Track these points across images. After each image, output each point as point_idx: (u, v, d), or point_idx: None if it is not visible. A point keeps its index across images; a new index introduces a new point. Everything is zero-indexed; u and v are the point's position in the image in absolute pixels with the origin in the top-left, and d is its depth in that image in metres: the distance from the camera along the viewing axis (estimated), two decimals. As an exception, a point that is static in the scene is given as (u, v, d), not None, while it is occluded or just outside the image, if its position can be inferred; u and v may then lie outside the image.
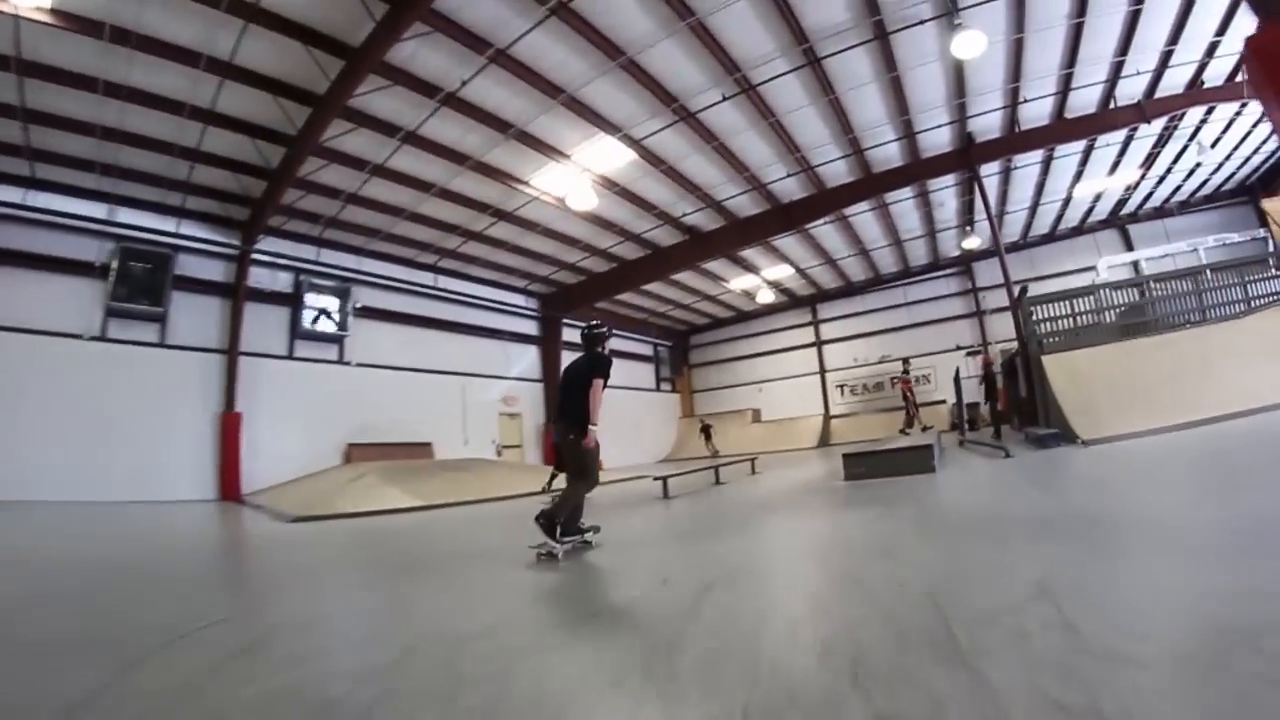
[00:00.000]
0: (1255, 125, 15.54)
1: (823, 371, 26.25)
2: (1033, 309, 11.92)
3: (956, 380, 14.40)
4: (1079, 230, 22.84)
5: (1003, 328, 21.96)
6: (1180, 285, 11.17)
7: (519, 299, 21.57)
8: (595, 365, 4.76)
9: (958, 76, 12.28)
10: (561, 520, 4.65)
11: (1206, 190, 20.33)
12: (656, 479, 9.61)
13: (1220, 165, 18.18)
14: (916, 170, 15.46)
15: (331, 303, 15.60)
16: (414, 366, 17.52)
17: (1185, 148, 16.54)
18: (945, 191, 18.27)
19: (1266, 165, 18.49)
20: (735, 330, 29.40)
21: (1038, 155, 16.20)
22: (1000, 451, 9.34)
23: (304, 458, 13.99)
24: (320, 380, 15.30)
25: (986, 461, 8.92)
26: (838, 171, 15.64)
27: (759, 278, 23.29)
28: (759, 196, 16.51)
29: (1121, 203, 20.97)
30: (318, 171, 12.49)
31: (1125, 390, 8.99)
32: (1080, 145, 15.77)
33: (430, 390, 17.71)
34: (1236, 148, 17.00)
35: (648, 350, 28.41)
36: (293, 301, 15.17)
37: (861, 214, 18.93)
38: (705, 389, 30.13)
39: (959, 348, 23.48)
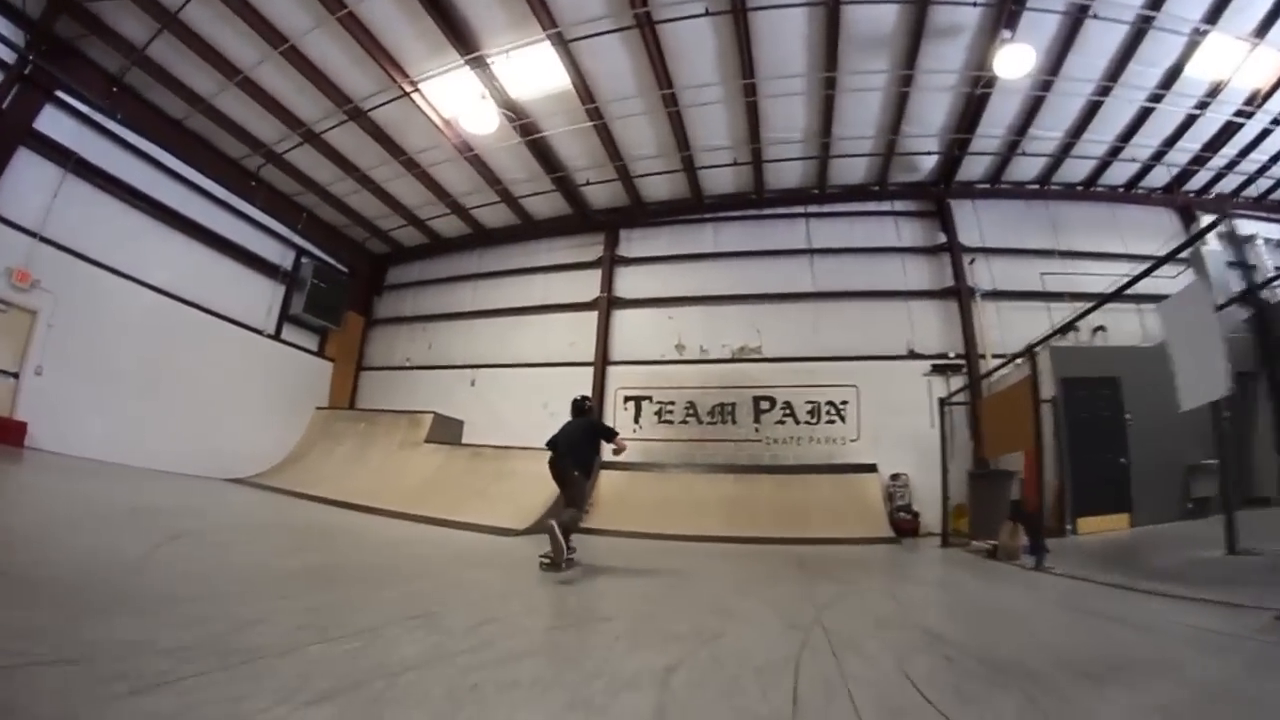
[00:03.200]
0: None
1: (604, 363, 11.71)
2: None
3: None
4: (1129, 192, 11.69)
5: (1014, 325, 10.06)
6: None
7: None
8: (603, 432, 5.77)
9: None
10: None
11: None
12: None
13: None
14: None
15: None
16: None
17: None
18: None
19: None
20: (459, 263, 14.26)
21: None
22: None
23: None
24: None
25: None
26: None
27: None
28: None
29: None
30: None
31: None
32: None
33: None
34: None
35: (273, 253, 12.74)
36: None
37: None
38: (383, 366, 14.35)
39: (914, 355, 10.29)
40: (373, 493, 8.82)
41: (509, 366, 12.39)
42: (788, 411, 10.21)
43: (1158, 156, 10.90)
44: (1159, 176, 11.43)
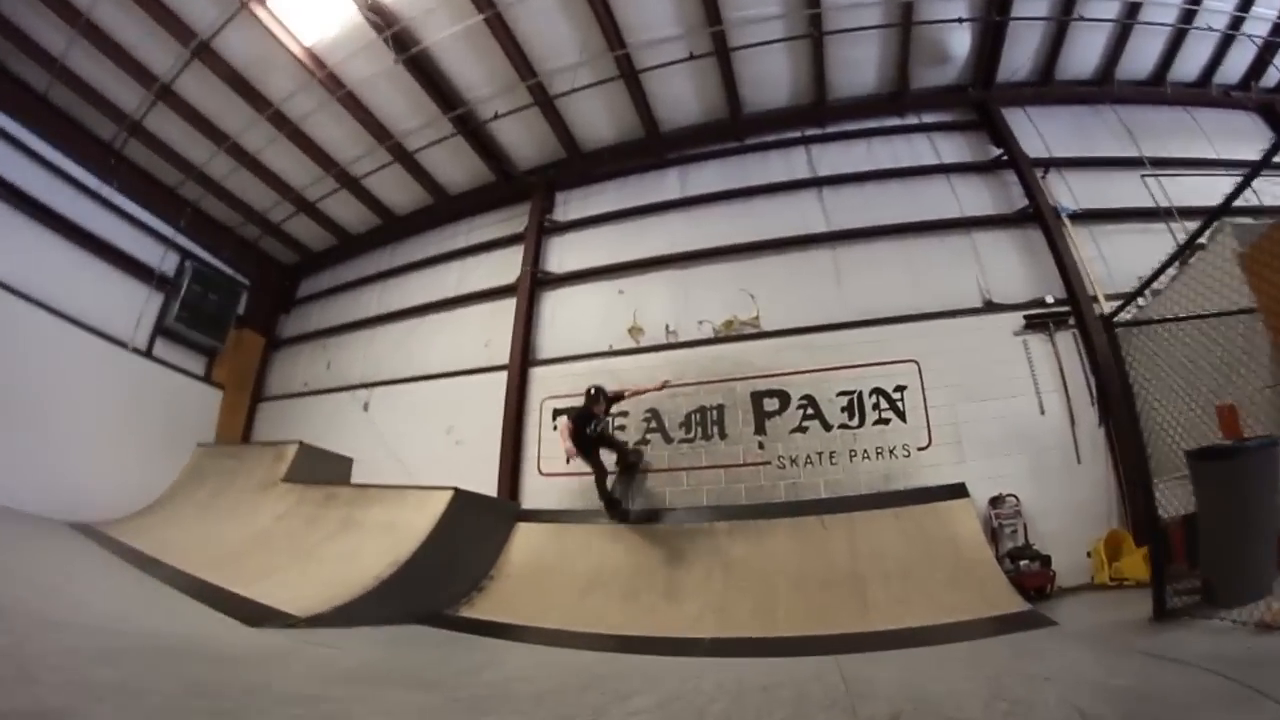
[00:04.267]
0: None
1: (523, 364, 7.90)
2: None
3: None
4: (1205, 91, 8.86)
5: (1119, 254, 6.82)
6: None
7: None
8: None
9: None
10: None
11: None
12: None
13: None
14: None
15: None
16: None
17: None
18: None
19: None
20: (369, 263, 11.12)
21: None
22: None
23: None
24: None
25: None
26: None
27: None
28: None
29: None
30: None
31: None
32: None
33: None
34: None
35: (151, 255, 10.13)
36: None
37: None
38: (282, 395, 10.94)
39: (992, 307, 6.78)
40: (186, 552, 6.02)
41: (409, 381, 8.87)
42: (809, 411, 6.52)
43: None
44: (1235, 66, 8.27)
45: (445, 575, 5.63)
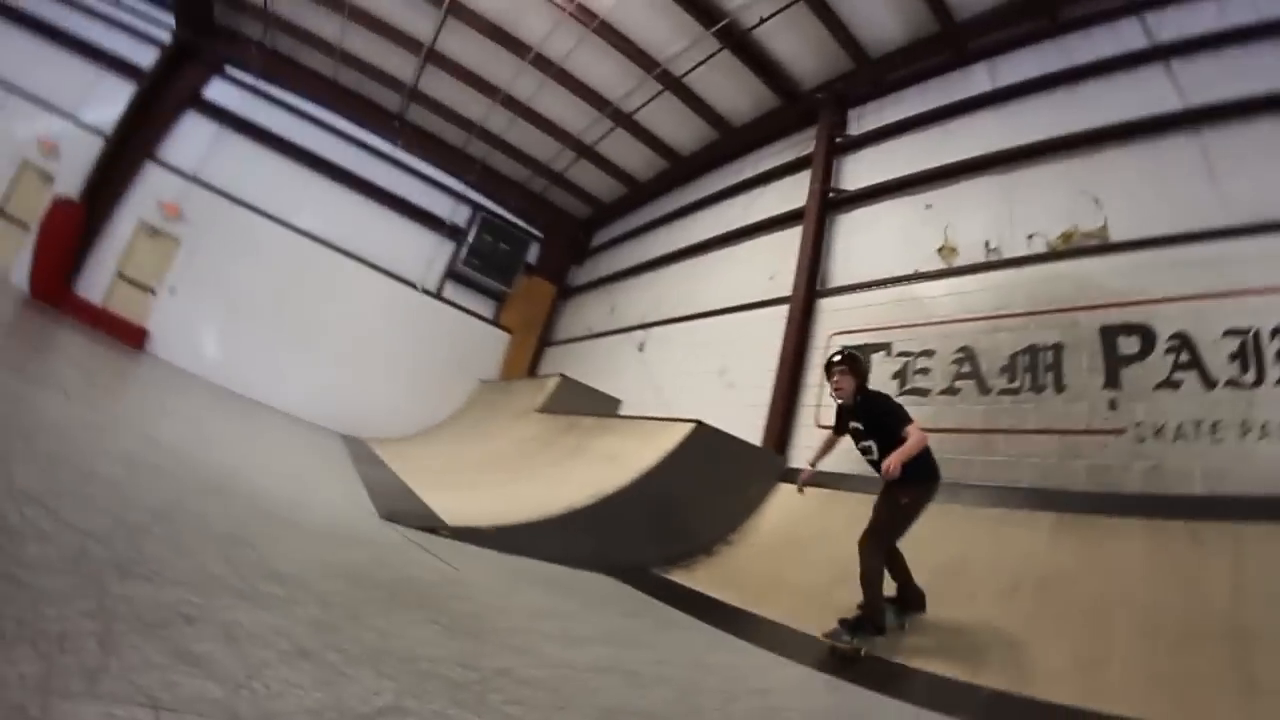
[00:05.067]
0: None
1: (808, 295, 7.24)
2: None
3: None
4: None
5: None
6: None
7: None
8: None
9: None
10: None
11: None
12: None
13: None
14: None
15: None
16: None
17: None
18: None
19: None
20: (657, 207, 11.67)
21: None
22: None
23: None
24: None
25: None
26: None
27: None
28: None
29: None
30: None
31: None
32: None
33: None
34: None
35: (442, 208, 12.59)
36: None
37: None
38: (568, 339, 12.45)
39: None
40: (412, 463, 7.06)
41: (684, 320, 9.12)
42: (1181, 357, 4.77)
43: None
44: None
45: (663, 526, 4.77)
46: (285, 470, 5.16)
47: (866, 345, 6.08)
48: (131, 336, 9.93)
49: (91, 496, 2.30)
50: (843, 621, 3.36)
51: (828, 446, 4.03)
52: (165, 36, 10.71)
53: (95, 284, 10.00)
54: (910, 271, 6.47)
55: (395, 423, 10.68)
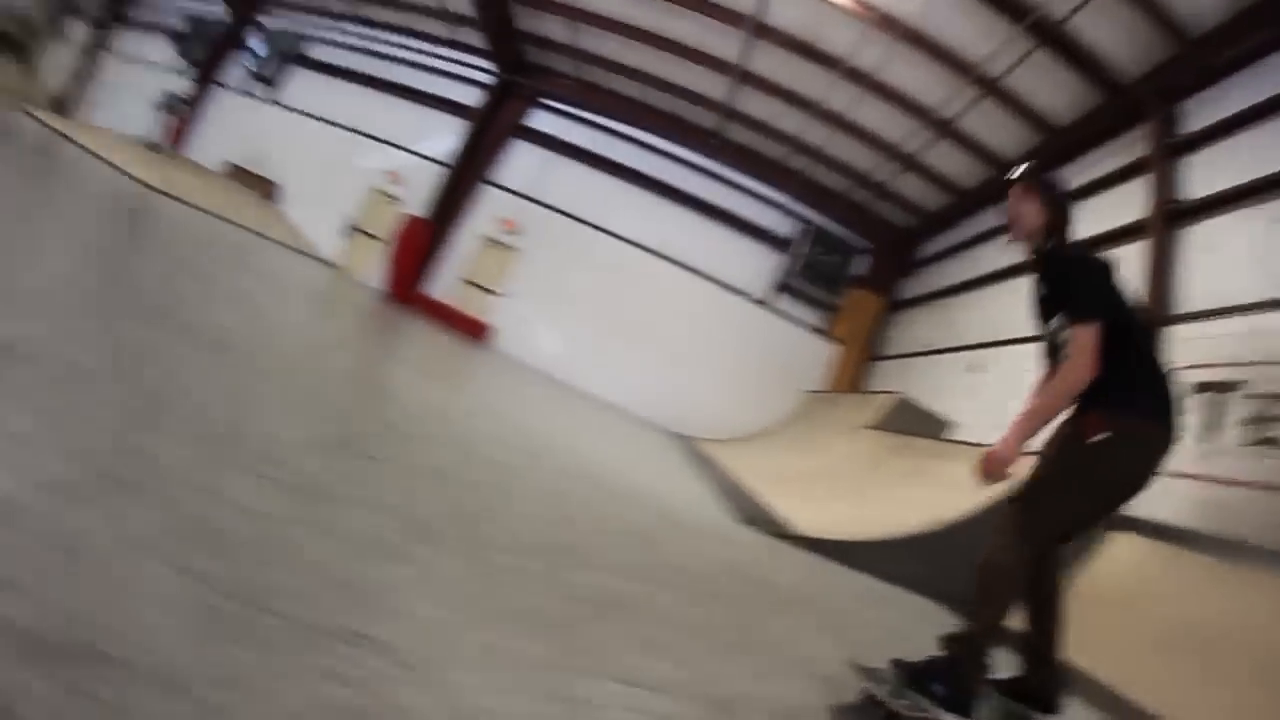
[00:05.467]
0: None
1: (1157, 321, 6.28)
2: None
3: None
4: None
5: None
6: None
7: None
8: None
9: None
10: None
11: None
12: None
13: None
14: None
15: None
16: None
17: None
18: None
19: None
20: (983, 219, 11.23)
21: None
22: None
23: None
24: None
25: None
26: None
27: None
28: None
29: None
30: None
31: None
32: None
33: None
34: None
35: (764, 219, 13.67)
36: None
37: None
38: (896, 355, 12.90)
39: None
40: (743, 465, 7.99)
41: (1017, 343, 8.99)
42: None
43: None
44: None
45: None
46: (654, 470, 6.61)
47: (1221, 382, 5.63)
48: (476, 330, 11.99)
49: (528, 495, 3.24)
50: (899, 664, 1.95)
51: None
52: (487, 79, 13.20)
53: (442, 288, 12.54)
54: (1265, 299, 5.66)
55: (716, 424, 11.65)
